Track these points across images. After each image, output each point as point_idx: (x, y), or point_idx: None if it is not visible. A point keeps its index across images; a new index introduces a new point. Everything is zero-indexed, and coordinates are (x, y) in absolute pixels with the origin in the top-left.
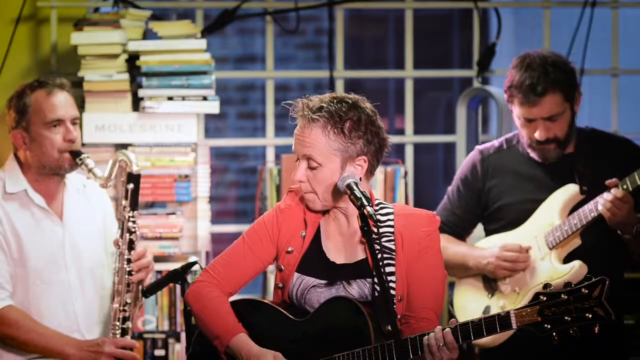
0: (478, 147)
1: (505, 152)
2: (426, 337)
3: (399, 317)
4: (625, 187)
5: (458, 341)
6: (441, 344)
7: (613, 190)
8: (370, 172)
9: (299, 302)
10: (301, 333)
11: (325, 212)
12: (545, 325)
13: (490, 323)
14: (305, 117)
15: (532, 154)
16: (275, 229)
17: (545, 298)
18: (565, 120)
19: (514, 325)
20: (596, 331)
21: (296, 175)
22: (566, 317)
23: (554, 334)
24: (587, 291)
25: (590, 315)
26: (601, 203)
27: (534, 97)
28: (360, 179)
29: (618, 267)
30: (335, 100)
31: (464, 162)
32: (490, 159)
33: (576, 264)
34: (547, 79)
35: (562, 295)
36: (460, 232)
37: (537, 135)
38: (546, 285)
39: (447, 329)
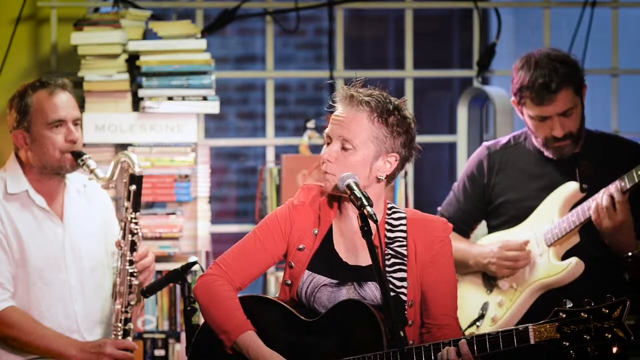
0: (485, 143)
1: (512, 148)
2: (443, 351)
3: (410, 322)
4: (623, 184)
5: (473, 353)
6: None
7: (612, 189)
8: (392, 176)
9: (307, 300)
10: (311, 334)
11: (339, 210)
12: (564, 343)
13: (508, 337)
14: (356, 99)
15: (547, 153)
16: (287, 224)
17: (564, 315)
18: (577, 115)
19: (532, 341)
20: (614, 351)
21: (324, 153)
22: (585, 336)
23: (571, 351)
24: (607, 311)
25: (609, 335)
26: (593, 204)
27: (548, 94)
28: (386, 177)
29: (614, 263)
30: (384, 96)
31: (470, 158)
32: (497, 155)
33: (573, 260)
34: (558, 75)
35: (582, 314)
36: (465, 227)
37: (554, 132)
38: (566, 303)
39: (463, 340)
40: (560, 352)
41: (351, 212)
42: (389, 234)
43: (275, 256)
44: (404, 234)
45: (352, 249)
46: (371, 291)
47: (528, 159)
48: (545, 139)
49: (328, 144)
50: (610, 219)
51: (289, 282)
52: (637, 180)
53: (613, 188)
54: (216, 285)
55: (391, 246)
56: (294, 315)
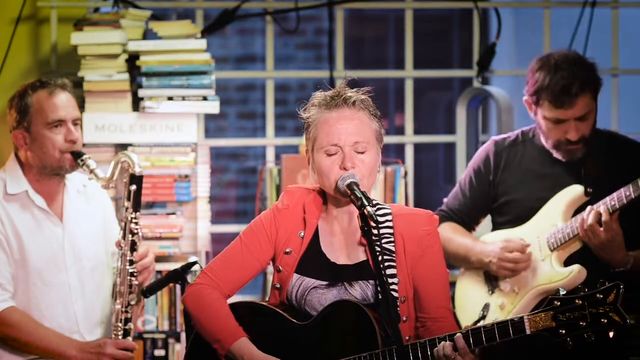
0: (493, 138)
1: (520, 146)
2: (439, 347)
3: (404, 319)
4: (627, 193)
5: (470, 347)
6: (452, 358)
7: (601, 209)
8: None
9: (298, 303)
10: (304, 337)
11: (324, 211)
12: (560, 331)
13: (503, 328)
14: (352, 99)
15: (557, 154)
16: (273, 229)
17: (559, 303)
18: (592, 119)
19: (528, 331)
20: (611, 336)
21: (346, 162)
22: (581, 322)
23: (568, 339)
24: (601, 296)
25: (605, 320)
26: (585, 218)
27: (569, 98)
28: (378, 171)
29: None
30: (362, 90)
31: (478, 151)
32: (504, 152)
33: (575, 268)
34: (579, 80)
35: (577, 301)
36: (469, 221)
37: (569, 136)
38: (559, 290)
39: (459, 335)
40: (557, 341)
41: (336, 212)
42: (376, 231)
43: (263, 261)
44: (390, 230)
45: (339, 249)
46: (362, 290)
47: (535, 157)
48: (558, 141)
49: (330, 154)
50: (595, 237)
51: (278, 286)
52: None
53: (602, 207)
54: (205, 294)
55: (378, 243)
56: (286, 319)
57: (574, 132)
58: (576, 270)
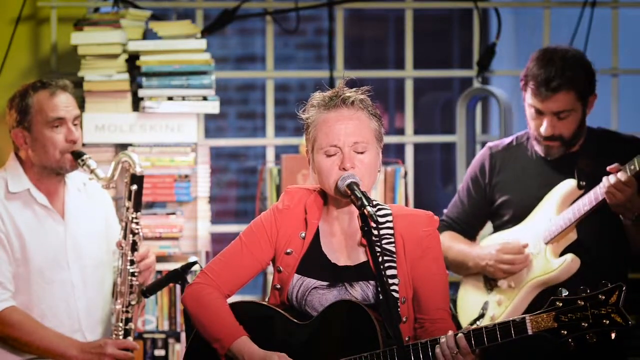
0: (488, 144)
1: (514, 148)
2: (439, 345)
3: (404, 319)
4: (633, 167)
5: (471, 346)
6: (455, 352)
7: (619, 174)
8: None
9: (299, 304)
10: (305, 337)
11: (325, 212)
12: (562, 332)
13: (505, 328)
14: (351, 99)
15: (537, 147)
16: (273, 229)
17: (561, 304)
18: (574, 120)
19: (530, 331)
20: (613, 337)
21: (345, 162)
22: (583, 324)
23: (570, 339)
24: (604, 297)
25: (607, 322)
26: (602, 187)
27: (546, 91)
28: (379, 170)
29: (616, 262)
30: (362, 90)
31: (474, 159)
32: (498, 156)
33: (568, 257)
34: (563, 76)
35: (579, 302)
36: (470, 230)
37: (541, 129)
38: (561, 291)
39: (460, 335)
40: (559, 341)
41: (336, 212)
42: (376, 231)
43: (263, 262)
44: (390, 231)
45: (340, 250)
46: (363, 291)
47: (529, 158)
48: (536, 133)
49: (330, 155)
50: (621, 194)
51: (279, 286)
52: (638, 169)
53: (619, 174)
54: (205, 293)
55: (379, 243)
56: (286, 319)
57: (548, 127)
58: (569, 260)
